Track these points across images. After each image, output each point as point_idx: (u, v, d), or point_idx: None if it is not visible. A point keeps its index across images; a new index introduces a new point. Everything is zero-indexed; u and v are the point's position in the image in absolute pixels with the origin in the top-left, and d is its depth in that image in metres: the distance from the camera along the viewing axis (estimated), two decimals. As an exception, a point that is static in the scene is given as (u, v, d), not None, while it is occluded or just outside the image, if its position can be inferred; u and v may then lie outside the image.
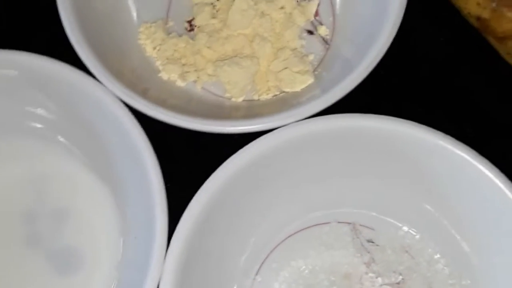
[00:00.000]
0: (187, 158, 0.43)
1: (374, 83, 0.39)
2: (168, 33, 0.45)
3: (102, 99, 0.38)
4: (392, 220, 0.41)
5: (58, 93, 0.39)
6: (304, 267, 0.40)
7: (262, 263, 0.40)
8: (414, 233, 0.40)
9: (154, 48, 0.44)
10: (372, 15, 0.41)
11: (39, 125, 0.41)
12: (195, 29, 0.45)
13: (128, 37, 0.44)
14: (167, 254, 0.35)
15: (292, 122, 0.38)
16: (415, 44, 0.44)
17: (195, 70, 0.44)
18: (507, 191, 0.35)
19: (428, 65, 0.44)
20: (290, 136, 0.37)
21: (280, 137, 0.37)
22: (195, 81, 0.44)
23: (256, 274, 0.40)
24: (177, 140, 0.43)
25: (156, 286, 0.34)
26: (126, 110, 0.38)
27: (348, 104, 0.39)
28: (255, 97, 0.43)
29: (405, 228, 0.41)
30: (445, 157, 0.37)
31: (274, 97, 0.43)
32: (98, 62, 0.38)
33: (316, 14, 0.45)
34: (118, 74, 0.39)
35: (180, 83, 0.43)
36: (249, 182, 0.38)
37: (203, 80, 0.44)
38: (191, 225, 0.35)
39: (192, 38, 0.44)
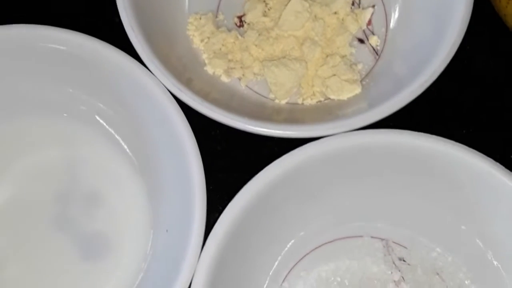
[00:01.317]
0: (226, 156, 0.42)
1: (422, 99, 0.39)
2: (218, 26, 0.44)
3: (148, 86, 0.37)
4: (426, 240, 0.40)
5: (103, 76, 0.39)
6: (332, 278, 0.40)
7: (291, 270, 0.40)
8: (447, 256, 0.40)
9: (202, 40, 0.43)
10: (429, 33, 0.40)
11: (82, 107, 0.41)
12: (245, 25, 0.44)
13: (177, 27, 0.43)
14: (202, 252, 0.34)
15: (338, 133, 0.37)
16: (465, 63, 0.44)
17: (241, 67, 0.43)
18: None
19: (478, 87, 0.44)
20: (337, 147, 0.37)
21: (327, 146, 0.36)
22: (239, 78, 0.43)
23: (283, 281, 0.39)
24: (217, 135, 0.42)
25: (188, 282, 0.34)
26: (172, 99, 0.37)
27: (393, 119, 0.38)
28: (299, 101, 0.43)
29: (439, 250, 0.40)
30: (490, 183, 0.36)
31: (318, 103, 0.42)
32: (148, 48, 0.38)
33: (369, 23, 0.44)
34: (165, 63, 0.38)
35: (224, 79, 0.43)
36: (288, 189, 0.37)
37: (248, 78, 0.43)
38: (228, 227, 0.35)
39: (241, 34, 0.44)
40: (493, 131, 0.43)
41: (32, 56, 0.38)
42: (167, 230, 0.37)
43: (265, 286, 0.39)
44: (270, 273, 0.39)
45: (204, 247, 0.35)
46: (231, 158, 0.42)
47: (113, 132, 0.41)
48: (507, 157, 0.42)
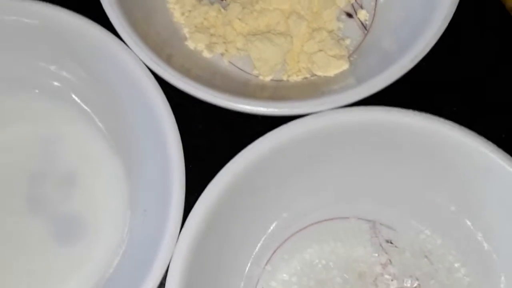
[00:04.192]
0: (207, 134, 0.40)
1: (411, 75, 0.37)
2: (200, -1, 0.42)
3: (126, 61, 0.36)
4: (414, 222, 0.39)
5: (79, 50, 0.37)
6: (317, 261, 0.38)
7: (274, 252, 0.38)
8: (436, 238, 0.39)
9: (183, 14, 0.42)
10: (420, 7, 0.39)
11: (55, 83, 0.39)
12: (228, -1, 0.43)
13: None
14: (181, 233, 0.33)
15: (324, 110, 0.36)
16: (457, 40, 0.42)
17: (224, 42, 0.41)
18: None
19: (469, 63, 0.42)
20: (322, 125, 0.35)
21: (312, 124, 0.35)
22: (222, 54, 0.41)
23: (266, 263, 0.38)
24: (197, 113, 0.40)
25: (167, 263, 0.32)
26: (150, 76, 0.35)
27: (381, 96, 0.37)
28: (284, 78, 0.41)
29: (427, 232, 0.39)
30: (481, 163, 0.35)
31: (304, 80, 0.41)
32: (125, 22, 0.36)
33: (358, -4, 0.43)
34: (144, 37, 0.37)
35: (206, 54, 0.41)
36: (271, 169, 0.36)
37: (231, 53, 0.41)
38: (208, 207, 0.33)
39: (224, 8, 0.42)
40: (485, 109, 0.41)
41: (2, 30, 0.37)
42: (144, 210, 0.36)
43: (247, 268, 0.38)
44: (253, 256, 0.38)
45: (183, 228, 0.33)
46: (212, 137, 0.40)
47: (89, 110, 0.39)
48: (498, 135, 0.40)
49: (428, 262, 0.38)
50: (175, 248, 0.33)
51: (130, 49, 0.36)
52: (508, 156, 0.35)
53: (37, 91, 0.39)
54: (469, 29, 0.43)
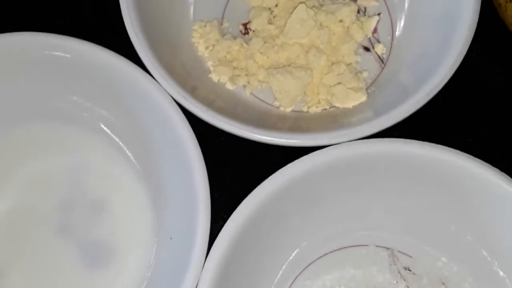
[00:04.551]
0: (230, 164, 0.42)
1: (428, 108, 0.39)
2: (223, 34, 0.44)
3: (153, 94, 0.37)
4: (431, 250, 0.40)
5: (108, 84, 0.39)
6: (337, 287, 0.39)
7: (295, 279, 0.39)
8: (453, 265, 0.39)
9: (207, 48, 0.43)
10: (435, 41, 0.40)
11: (85, 114, 0.41)
12: (250, 33, 0.44)
13: (181, 34, 0.43)
14: (206, 261, 0.34)
15: (343, 142, 0.37)
16: (471, 71, 0.43)
17: (246, 75, 0.43)
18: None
19: (484, 95, 0.43)
20: (342, 156, 0.36)
21: (332, 156, 0.36)
22: (244, 86, 0.43)
23: (289, 290, 0.39)
24: (221, 144, 0.42)
25: None
26: (177, 107, 0.37)
27: (398, 128, 0.38)
28: (304, 109, 0.42)
29: (444, 259, 0.40)
30: (496, 193, 0.36)
31: (324, 111, 0.42)
32: (152, 55, 0.38)
33: (375, 31, 0.44)
34: (170, 71, 0.38)
35: (229, 86, 0.43)
36: (292, 198, 0.37)
37: (253, 85, 0.43)
38: (233, 235, 0.35)
39: (247, 42, 0.43)
40: (500, 140, 0.43)
41: (36, 64, 0.38)
42: (171, 238, 0.37)
43: (270, 295, 0.39)
44: (275, 282, 0.39)
45: (208, 256, 0.34)
46: (236, 166, 0.42)
47: (117, 139, 0.41)
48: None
49: (445, 289, 0.40)
50: (201, 276, 0.34)
51: (158, 82, 0.37)
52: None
53: (69, 122, 0.41)
54: (483, 62, 0.44)
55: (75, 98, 0.40)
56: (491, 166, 0.36)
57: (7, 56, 0.38)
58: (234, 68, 0.43)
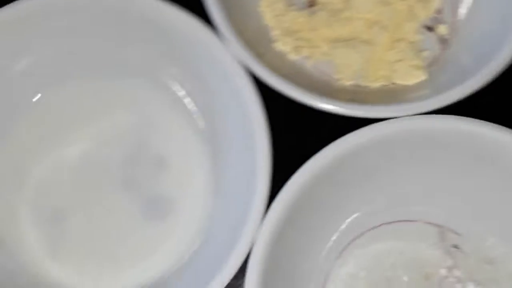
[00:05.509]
0: (290, 131, 0.43)
1: (489, 90, 0.39)
2: (289, 4, 0.45)
3: (224, 59, 0.38)
4: (481, 229, 0.40)
5: (181, 44, 0.40)
6: (385, 259, 0.40)
7: (345, 247, 0.40)
8: (500, 246, 0.40)
9: (273, 17, 0.44)
10: (499, 25, 0.40)
11: (157, 73, 0.42)
12: (316, 5, 0.45)
13: (249, 2, 0.44)
14: (263, 222, 0.35)
15: (402, 116, 0.37)
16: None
17: (310, 46, 0.44)
18: None
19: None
20: (402, 129, 0.37)
21: (392, 128, 0.37)
22: (307, 57, 0.44)
23: (338, 257, 0.40)
24: (282, 110, 0.42)
25: (247, 251, 0.35)
26: (244, 71, 0.38)
27: (458, 109, 0.38)
28: (363, 83, 0.43)
29: (493, 239, 0.40)
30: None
31: (383, 87, 0.43)
32: (226, 19, 0.39)
33: (439, 12, 0.44)
34: (239, 35, 0.39)
35: (292, 56, 0.44)
36: (348, 168, 0.38)
37: (315, 57, 0.44)
38: (290, 200, 0.36)
39: (312, 14, 0.44)
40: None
41: (114, 21, 0.40)
42: (230, 198, 0.38)
43: (320, 260, 0.40)
44: (325, 248, 0.40)
45: (267, 215, 0.35)
46: (294, 134, 0.43)
47: (183, 99, 0.42)
48: None
49: (492, 269, 0.40)
50: (259, 234, 0.35)
51: (227, 46, 0.38)
52: None
53: (137, 78, 0.42)
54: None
55: (148, 55, 0.41)
56: None
57: (90, 12, 0.39)
58: (298, 39, 0.44)
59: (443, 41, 0.44)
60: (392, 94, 0.42)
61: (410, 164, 0.39)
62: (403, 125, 0.37)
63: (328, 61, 0.44)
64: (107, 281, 0.40)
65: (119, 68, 0.42)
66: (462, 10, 0.44)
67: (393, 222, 0.41)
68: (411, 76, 0.42)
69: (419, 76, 0.42)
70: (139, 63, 0.42)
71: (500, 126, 0.37)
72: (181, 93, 0.42)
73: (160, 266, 0.40)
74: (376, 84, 0.43)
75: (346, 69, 0.43)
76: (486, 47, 0.41)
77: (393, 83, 0.43)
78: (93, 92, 0.42)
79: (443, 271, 0.40)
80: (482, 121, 0.37)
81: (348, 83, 0.43)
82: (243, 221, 0.35)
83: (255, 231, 0.35)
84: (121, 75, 0.42)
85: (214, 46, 0.38)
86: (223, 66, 0.38)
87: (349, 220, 0.40)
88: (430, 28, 0.44)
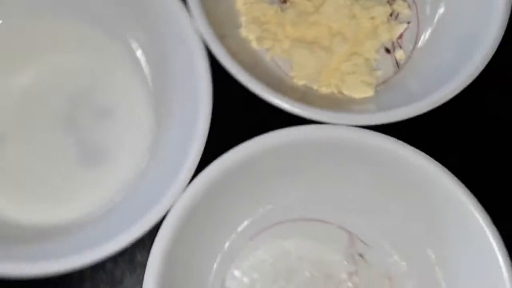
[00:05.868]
0: (231, 112, 0.43)
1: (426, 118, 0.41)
2: (262, -5, 0.47)
3: (185, 27, 0.39)
4: (388, 245, 0.43)
5: (145, 3, 0.41)
6: (294, 252, 0.42)
7: (259, 233, 0.42)
8: (402, 264, 0.42)
9: (245, 4, 0.46)
10: (453, 60, 0.43)
11: (118, 24, 0.43)
12: (288, 3, 0.47)
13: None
14: (185, 192, 0.37)
15: (339, 124, 0.39)
16: (477, 97, 0.46)
17: (273, 39, 0.46)
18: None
19: (490, 124, 0.47)
20: (332, 135, 0.39)
21: (323, 131, 0.39)
22: (268, 49, 0.46)
23: (252, 239, 0.42)
24: (228, 92, 0.43)
25: (166, 210, 0.36)
26: (203, 46, 0.39)
27: (395, 130, 0.40)
28: (314, 87, 0.45)
29: (396, 257, 0.42)
30: (459, 210, 0.38)
31: (331, 94, 0.45)
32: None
33: (400, 37, 0.47)
34: (207, 13, 0.40)
35: (254, 45, 0.45)
36: (269, 162, 0.40)
37: (276, 51, 0.46)
38: (212, 177, 0.37)
39: (283, 10, 0.46)
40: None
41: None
42: (166, 159, 0.40)
43: (231, 239, 0.42)
44: (239, 232, 0.42)
45: (186, 191, 0.37)
46: (237, 118, 0.44)
47: (138, 55, 0.43)
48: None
49: (389, 284, 0.42)
50: (178, 201, 0.37)
51: (193, 19, 0.40)
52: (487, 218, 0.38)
53: (97, 24, 0.43)
54: (493, 94, 0.48)
55: (114, 7, 0.42)
56: (455, 179, 0.38)
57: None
58: (264, 30, 0.46)
59: (398, 65, 0.46)
60: (337, 103, 0.44)
61: (329, 171, 0.41)
62: (332, 131, 0.39)
63: (287, 58, 0.46)
64: (38, 213, 0.41)
65: (82, 12, 0.43)
66: (422, 41, 0.47)
67: (310, 220, 0.43)
68: (359, 90, 0.45)
69: (367, 92, 0.45)
70: (102, 12, 0.43)
71: (421, 153, 0.38)
72: (138, 50, 0.43)
73: (80, 210, 0.41)
74: (326, 90, 0.45)
75: (302, 69, 0.45)
76: (436, 79, 0.43)
77: (341, 93, 0.45)
78: (52, 29, 0.43)
79: (343, 275, 0.42)
80: (402, 142, 0.39)
81: (300, 83, 0.45)
82: (170, 183, 0.37)
83: (178, 195, 0.37)
84: (83, 19, 0.43)
85: (180, 17, 0.39)
86: (183, 36, 0.39)
87: (269, 206, 0.42)
88: (388, 50, 0.47)
